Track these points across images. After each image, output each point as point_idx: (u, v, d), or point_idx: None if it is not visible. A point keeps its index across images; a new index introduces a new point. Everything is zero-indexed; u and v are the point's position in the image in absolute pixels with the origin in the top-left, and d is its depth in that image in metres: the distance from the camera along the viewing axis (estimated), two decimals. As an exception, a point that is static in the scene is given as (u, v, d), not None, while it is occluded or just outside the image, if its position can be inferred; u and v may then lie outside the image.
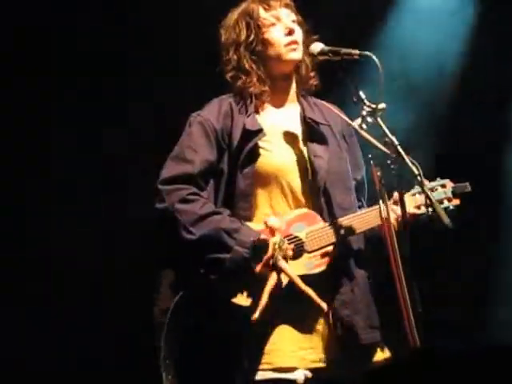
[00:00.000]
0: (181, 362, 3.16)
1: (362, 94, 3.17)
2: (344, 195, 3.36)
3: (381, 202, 3.11)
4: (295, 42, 3.38)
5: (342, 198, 3.35)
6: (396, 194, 3.26)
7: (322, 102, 3.54)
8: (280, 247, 3.16)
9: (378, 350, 3.32)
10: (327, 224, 3.28)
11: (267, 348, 3.17)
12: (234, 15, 3.47)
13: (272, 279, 3.15)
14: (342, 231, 3.27)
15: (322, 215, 3.30)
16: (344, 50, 3.25)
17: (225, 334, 3.13)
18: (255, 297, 3.14)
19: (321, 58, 3.33)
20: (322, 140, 3.39)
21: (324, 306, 3.19)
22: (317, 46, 3.35)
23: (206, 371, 3.15)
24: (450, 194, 3.41)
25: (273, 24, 3.42)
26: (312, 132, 3.40)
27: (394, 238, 3.02)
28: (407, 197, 3.35)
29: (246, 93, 3.38)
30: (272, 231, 3.17)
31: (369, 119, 3.13)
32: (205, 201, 3.21)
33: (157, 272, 3.26)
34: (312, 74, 3.49)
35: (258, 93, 3.37)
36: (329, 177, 3.32)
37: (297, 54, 3.39)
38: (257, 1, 3.45)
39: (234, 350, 3.12)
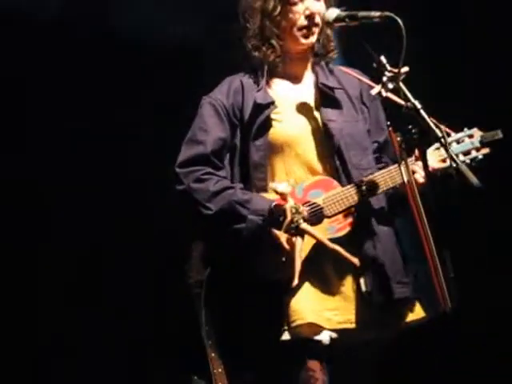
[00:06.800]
0: (219, 328, 3.35)
1: (383, 58, 3.07)
2: (361, 156, 3.39)
3: (402, 168, 3.07)
4: (309, 28, 3.35)
5: (359, 159, 3.38)
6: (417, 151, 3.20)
7: (340, 67, 3.53)
8: (297, 210, 3.22)
9: (409, 309, 3.35)
10: (345, 188, 3.31)
11: (293, 307, 3.23)
12: None
13: (298, 244, 3.21)
14: (362, 192, 3.30)
15: (338, 177, 3.34)
16: (362, 14, 3.16)
17: (256, 299, 3.25)
18: (276, 263, 3.22)
19: (337, 24, 3.26)
20: (335, 105, 3.43)
21: (355, 260, 3.26)
22: (332, 13, 3.27)
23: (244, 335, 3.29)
24: (477, 144, 3.33)
25: (295, 3, 3.36)
26: (325, 98, 3.44)
27: (419, 201, 3.00)
28: (431, 151, 3.33)
29: (261, 65, 3.41)
30: (284, 197, 3.22)
31: (390, 85, 3.04)
32: (218, 178, 3.33)
33: (187, 245, 3.43)
34: (332, 45, 3.47)
35: (275, 65, 3.41)
36: (343, 139, 3.36)
37: (309, 40, 3.38)
38: None
39: (269, 312, 3.24)
